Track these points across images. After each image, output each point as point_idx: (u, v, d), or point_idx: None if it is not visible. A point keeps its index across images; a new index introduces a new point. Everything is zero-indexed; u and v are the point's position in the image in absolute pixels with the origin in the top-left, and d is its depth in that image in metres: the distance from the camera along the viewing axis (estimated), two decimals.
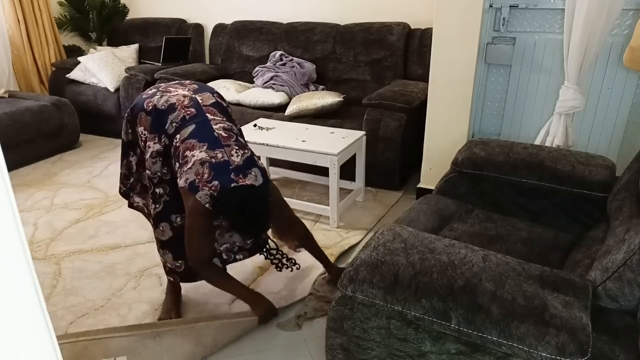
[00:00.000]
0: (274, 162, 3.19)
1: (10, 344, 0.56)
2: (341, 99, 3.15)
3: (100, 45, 4.60)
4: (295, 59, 3.65)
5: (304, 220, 2.17)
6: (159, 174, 1.72)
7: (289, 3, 3.95)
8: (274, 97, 3.35)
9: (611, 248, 1.28)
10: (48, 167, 3.49)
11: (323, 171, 2.63)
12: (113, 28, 4.63)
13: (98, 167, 3.49)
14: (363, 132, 2.80)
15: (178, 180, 1.61)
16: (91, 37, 4.70)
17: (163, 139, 1.69)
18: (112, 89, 3.93)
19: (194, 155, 1.60)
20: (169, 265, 1.83)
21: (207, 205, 1.55)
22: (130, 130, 1.80)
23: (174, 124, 1.67)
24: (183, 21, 4.39)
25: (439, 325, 1.12)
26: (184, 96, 1.74)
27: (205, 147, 1.61)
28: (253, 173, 1.61)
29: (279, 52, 3.72)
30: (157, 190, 1.73)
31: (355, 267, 1.23)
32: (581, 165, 1.78)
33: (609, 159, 1.84)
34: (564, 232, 1.73)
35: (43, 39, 4.29)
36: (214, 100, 1.79)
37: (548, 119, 2.46)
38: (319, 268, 2.20)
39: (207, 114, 1.71)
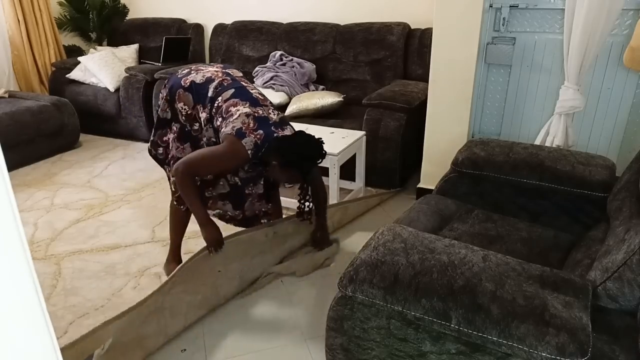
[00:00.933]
0: None
1: (10, 344, 0.56)
2: (341, 99, 3.15)
3: (100, 45, 4.60)
4: (295, 59, 3.65)
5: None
6: (213, 139, 1.94)
7: (289, 3, 3.95)
8: (274, 97, 3.35)
9: (611, 248, 1.28)
10: (48, 167, 3.49)
11: (323, 171, 2.63)
12: (113, 28, 4.63)
13: (98, 167, 3.49)
14: (363, 132, 2.80)
15: (223, 129, 1.81)
16: (91, 37, 4.70)
17: (207, 107, 1.89)
18: (112, 89, 3.93)
19: (238, 110, 1.82)
20: (229, 214, 2.12)
21: (249, 151, 1.76)
22: (168, 109, 1.99)
23: (215, 90, 1.89)
24: (183, 21, 4.39)
25: (439, 325, 1.12)
26: (217, 70, 1.97)
27: (247, 104, 1.85)
28: (289, 128, 1.90)
29: (279, 52, 3.72)
30: None
31: (355, 267, 1.23)
32: (581, 165, 1.78)
33: (609, 159, 1.84)
34: (564, 232, 1.73)
35: (43, 39, 4.29)
36: (242, 74, 2.04)
37: (548, 119, 2.46)
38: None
39: (241, 82, 1.96)
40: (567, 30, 2.24)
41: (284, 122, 1.91)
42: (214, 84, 1.90)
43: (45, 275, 2.20)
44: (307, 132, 1.94)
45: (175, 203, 2.13)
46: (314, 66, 3.63)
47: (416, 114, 2.87)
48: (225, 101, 1.86)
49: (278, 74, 3.55)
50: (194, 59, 4.31)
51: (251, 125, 1.79)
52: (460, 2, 2.40)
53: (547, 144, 2.42)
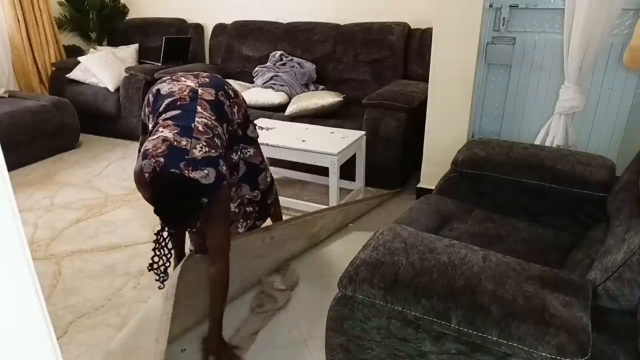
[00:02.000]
0: (274, 162, 3.18)
1: (10, 344, 0.56)
2: (341, 99, 3.15)
3: (100, 45, 4.60)
4: (295, 59, 3.65)
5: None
6: None
7: (289, 3, 3.95)
8: (274, 97, 3.35)
9: (611, 248, 1.28)
10: (48, 167, 3.49)
11: (323, 171, 2.63)
12: (113, 28, 4.63)
13: (98, 167, 3.49)
14: (363, 132, 2.80)
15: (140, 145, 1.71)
16: (91, 37, 4.70)
17: (154, 120, 1.77)
18: (112, 89, 3.93)
19: (162, 132, 1.66)
20: (247, 197, 2.05)
21: (146, 174, 1.60)
22: (146, 112, 1.92)
23: (166, 106, 1.76)
24: (183, 21, 4.39)
25: (439, 325, 1.12)
26: (187, 86, 1.82)
27: (176, 131, 1.65)
28: (206, 171, 1.59)
29: (279, 52, 3.72)
30: None
31: (355, 267, 1.23)
32: (581, 165, 1.78)
33: (609, 159, 1.84)
34: (564, 232, 1.73)
35: (43, 39, 4.29)
36: (213, 98, 1.82)
37: (548, 119, 2.46)
38: None
39: (197, 106, 1.76)
40: (567, 30, 2.24)
41: (207, 162, 1.60)
42: (170, 100, 1.77)
43: (45, 275, 2.20)
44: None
45: None
46: (314, 66, 3.62)
47: (416, 114, 2.87)
48: (164, 120, 1.71)
49: (278, 74, 3.55)
50: (194, 59, 4.31)
51: (159, 150, 1.59)
52: (460, 2, 2.40)
53: (547, 144, 2.42)
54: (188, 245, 2.21)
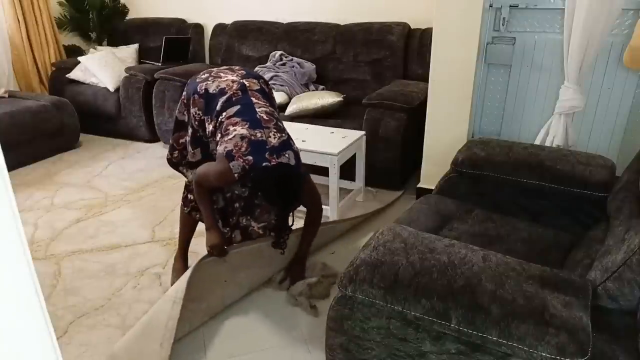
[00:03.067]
0: None
1: (10, 344, 0.56)
2: (341, 99, 3.15)
3: (100, 45, 4.60)
4: (295, 59, 3.65)
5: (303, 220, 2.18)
6: (214, 151, 1.90)
7: (289, 3, 3.95)
8: (274, 97, 3.34)
9: (611, 248, 1.28)
10: (48, 167, 3.49)
11: (323, 171, 2.63)
12: (113, 28, 4.63)
13: (98, 167, 3.49)
14: (363, 132, 2.80)
15: (218, 147, 1.78)
16: (91, 37, 4.70)
17: (214, 121, 1.87)
18: (112, 89, 3.93)
19: (235, 130, 1.77)
20: (236, 192, 2.04)
21: (236, 174, 1.72)
22: (185, 111, 1.99)
23: (222, 104, 1.86)
24: (183, 21, 4.39)
25: (439, 325, 1.12)
26: (233, 81, 1.92)
27: (247, 126, 1.78)
28: (287, 155, 1.76)
29: (279, 52, 3.72)
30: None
31: (355, 267, 1.23)
32: (581, 165, 1.78)
33: (609, 159, 1.84)
34: (564, 232, 1.73)
35: (43, 39, 4.29)
36: (259, 87, 1.97)
37: (548, 119, 2.46)
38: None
39: (252, 98, 1.89)
40: (567, 30, 2.24)
41: (285, 147, 1.77)
42: (224, 97, 1.86)
43: (45, 275, 2.20)
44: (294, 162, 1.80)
45: (182, 204, 2.15)
46: (314, 66, 3.62)
47: (416, 114, 2.87)
48: (228, 118, 1.82)
49: (278, 73, 3.55)
50: (194, 58, 4.31)
51: (242, 149, 1.71)
52: (460, 2, 2.40)
53: (547, 144, 2.42)
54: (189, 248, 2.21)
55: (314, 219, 2.13)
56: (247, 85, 1.93)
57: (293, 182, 1.79)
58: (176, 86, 3.64)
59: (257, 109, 1.84)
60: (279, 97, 3.35)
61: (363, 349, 1.27)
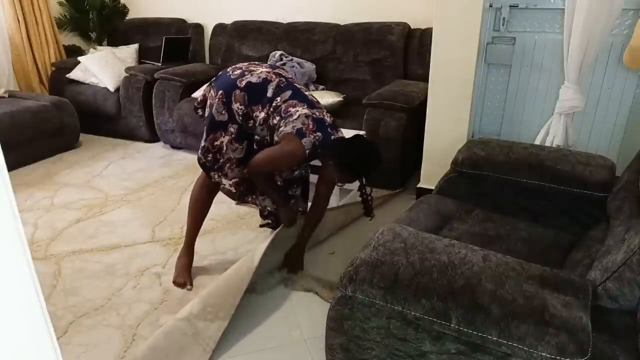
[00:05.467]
0: None
1: (10, 344, 0.56)
2: (341, 99, 3.15)
3: (100, 45, 4.60)
4: (295, 59, 3.65)
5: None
6: (266, 138, 2.02)
7: (288, 3, 3.95)
8: None
9: (611, 248, 1.28)
10: (48, 167, 3.48)
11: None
12: (113, 28, 4.63)
13: (98, 167, 3.49)
14: (363, 132, 2.80)
15: (282, 128, 1.89)
16: (91, 37, 4.70)
17: (266, 107, 1.96)
18: (112, 89, 3.93)
19: (297, 111, 1.91)
20: (268, 209, 2.26)
21: (307, 151, 1.86)
22: (225, 110, 1.99)
23: (274, 90, 1.97)
24: (183, 21, 4.39)
25: (439, 325, 1.12)
26: (268, 72, 2.02)
27: (305, 106, 1.94)
28: (340, 130, 2.00)
29: (279, 52, 3.72)
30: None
31: (355, 267, 1.23)
32: (581, 165, 1.78)
33: (609, 159, 1.84)
34: (564, 232, 1.73)
35: (43, 39, 4.29)
36: (289, 75, 2.10)
37: (548, 119, 2.46)
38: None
39: (294, 84, 2.03)
40: (567, 30, 2.24)
41: (335, 125, 1.99)
42: (273, 84, 1.97)
43: (45, 275, 2.20)
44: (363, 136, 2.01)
45: (202, 195, 2.17)
46: (314, 66, 3.62)
47: (416, 114, 2.87)
48: (284, 102, 1.94)
49: None
50: (194, 58, 4.31)
51: (310, 126, 1.88)
52: (460, 2, 2.40)
53: (547, 144, 2.42)
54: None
55: (321, 204, 2.20)
56: (284, 74, 2.06)
57: (372, 146, 1.95)
58: (176, 86, 3.64)
59: (305, 93, 2.02)
60: None
61: (363, 349, 1.27)
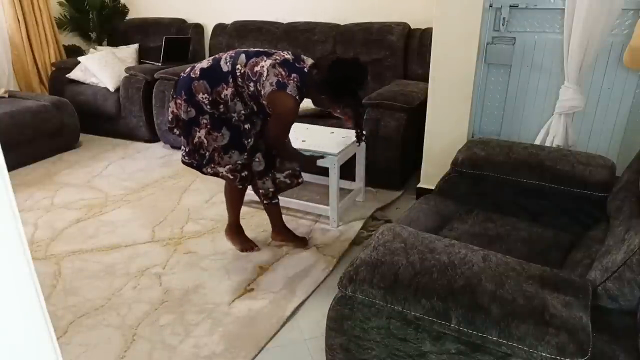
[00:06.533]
0: None
1: (10, 344, 0.56)
2: None
3: (100, 45, 4.60)
4: None
5: (304, 220, 2.19)
6: (242, 112, 2.03)
7: (289, 3, 3.95)
8: None
9: (611, 248, 1.28)
10: (48, 167, 3.48)
11: (324, 171, 2.63)
12: (113, 28, 4.63)
13: (98, 167, 3.49)
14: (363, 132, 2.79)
15: (263, 91, 1.92)
16: (91, 37, 4.70)
17: (230, 82, 1.97)
18: (112, 89, 3.93)
19: (262, 66, 1.93)
20: (239, 162, 2.13)
21: (296, 97, 1.92)
22: (190, 107, 2.03)
23: (227, 63, 1.99)
24: (183, 21, 4.39)
25: (439, 325, 1.12)
26: (216, 55, 2.07)
27: (265, 58, 1.96)
28: (305, 58, 2.02)
29: None
30: (246, 126, 2.08)
31: (355, 267, 1.23)
32: (581, 165, 1.78)
33: (609, 159, 1.84)
34: (564, 232, 1.73)
35: (43, 39, 4.29)
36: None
37: (548, 119, 2.46)
38: (320, 268, 2.21)
39: (242, 49, 2.07)
40: (567, 30, 2.24)
41: (298, 56, 2.02)
42: (222, 59, 2.00)
43: (45, 275, 2.20)
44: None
45: (233, 185, 2.21)
46: None
47: (416, 114, 2.87)
48: (244, 66, 1.96)
49: None
50: (194, 58, 4.30)
51: (283, 73, 1.91)
52: (460, 2, 2.40)
53: (547, 144, 2.42)
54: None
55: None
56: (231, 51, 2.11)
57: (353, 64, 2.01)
58: None
59: (255, 49, 2.05)
60: None
61: (363, 349, 1.27)
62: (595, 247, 1.45)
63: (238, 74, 1.96)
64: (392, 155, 2.89)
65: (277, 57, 1.95)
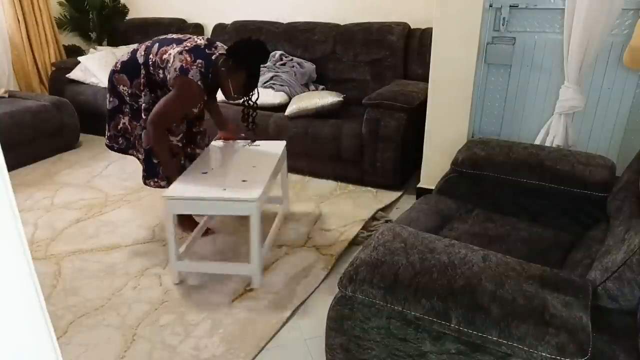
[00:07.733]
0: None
1: (10, 344, 0.56)
2: (341, 99, 3.14)
3: (100, 45, 4.60)
4: (295, 58, 3.65)
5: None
6: (150, 101, 2.16)
7: (288, 3, 3.95)
8: (274, 97, 3.34)
9: (611, 248, 1.28)
10: (48, 167, 3.48)
11: (321, 160, 2.60)
12: (113, 28, 4.63)
13: (98, 167, 3.49)
14: (284, 142, 2.55)
15: (169, 77, 2.00)
16: (91, 37, 4.70)
17: (143, 72, 2.11)
18: None
19: (170, 54, 2.01)
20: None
21: (199, 82, 1.96)
22: (112, 97, 2.24)
23: (142, 55, 2.12)
24: (183, 21, 4.39)
25: (439, 325, 1.12)
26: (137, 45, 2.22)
27: (174, 45, 2.05)
28: (219, 46, 2.10)
29: (279, 52, 3.72)
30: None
31: (355, 267, 1.23)
32: (581, 165, 1.78)
33: (609, 159, 1.84)
34: (564, 232, 1.73)
35: (43, 39, 4.29)
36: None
37: (548, 119, 2.46)
38: (319, 268, 2.21)
39: (160, 38, 2.17)
40: (567, 30, 2.24)
41: (212, 42, 2.10)
42: (139, 51, 2.14)
43: (45, 275, 2.20)
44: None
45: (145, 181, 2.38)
46: (314, 66, 3.62)
47: (416, 114, 2.87)
48: (156, 54, 2.08)
49: (278, 73, 3.55)
50: None
51: (188, 59, 1.97)
52: (460, 2, 2.40)
53: (547, 144, 2.42)
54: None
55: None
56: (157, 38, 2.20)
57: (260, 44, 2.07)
58: None
59: (170, 36, 2.15)
60: (279, 97, 3.35)
61: (363, 349, 1.27)
62: (595, 247, 1.45)
63: (150, 62, 2.09)
64: (392, 155, 2.89)
65: (187, 44, 2.04)
